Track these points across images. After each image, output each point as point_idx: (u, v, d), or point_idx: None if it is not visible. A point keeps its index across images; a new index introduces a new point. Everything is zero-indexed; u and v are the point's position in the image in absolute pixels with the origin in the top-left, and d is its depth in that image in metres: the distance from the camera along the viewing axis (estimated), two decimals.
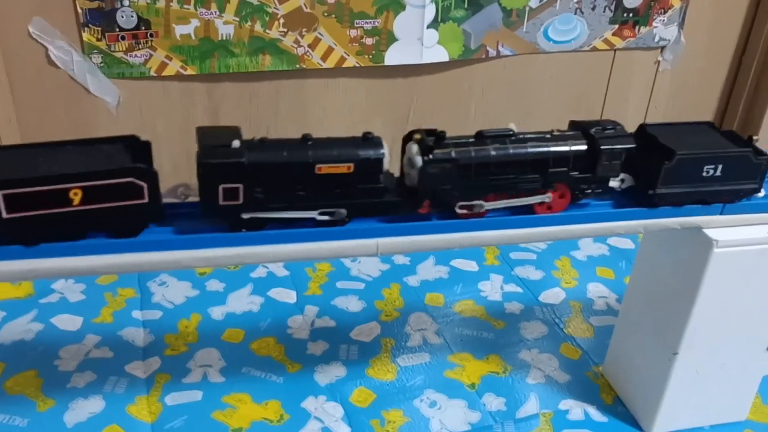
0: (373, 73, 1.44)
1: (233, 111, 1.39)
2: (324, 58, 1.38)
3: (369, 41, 1.39)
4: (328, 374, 1.10)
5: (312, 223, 0.81)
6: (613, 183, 0.90)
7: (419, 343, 1.19)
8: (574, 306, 1.30)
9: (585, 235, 0.91)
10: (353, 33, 1.37)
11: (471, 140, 0.85)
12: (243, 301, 1.26)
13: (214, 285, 1.30)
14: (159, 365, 1.10)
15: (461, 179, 0.83)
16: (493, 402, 1.08)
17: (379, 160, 0.81)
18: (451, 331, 1.22)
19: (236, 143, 0.77)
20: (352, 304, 1.27)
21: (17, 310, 1.22)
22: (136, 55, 1.28)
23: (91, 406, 1.03)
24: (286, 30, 1.33)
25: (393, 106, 1.50)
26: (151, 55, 1.29)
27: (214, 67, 1.33)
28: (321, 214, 0.81)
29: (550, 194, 0.86)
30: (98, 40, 1.25)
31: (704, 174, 0.89)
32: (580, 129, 0.90)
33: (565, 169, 0.86)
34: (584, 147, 0.87)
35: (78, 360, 1.11)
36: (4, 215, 0.71)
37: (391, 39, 1.39)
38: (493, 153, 0.83)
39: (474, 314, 1.27)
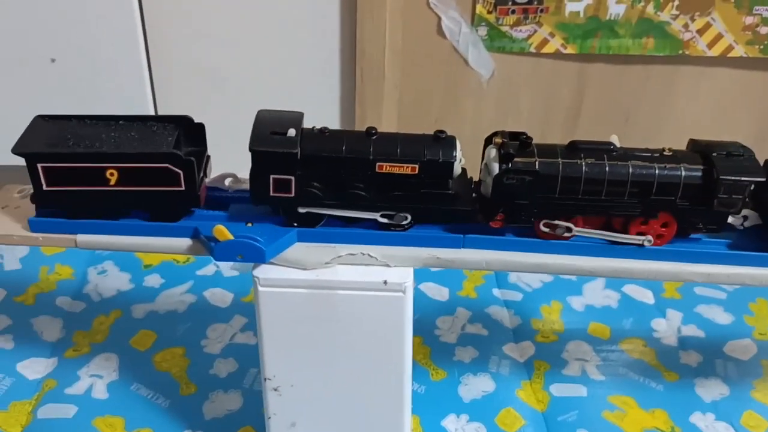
0: (757, 65, 1.32)
1: (598, 93, 1.34)
2: (710, 45, 1.28)
3: (764, 30, 1.27)
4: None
5: (372, 224, 0.73)
6: (733, 219, 0.74)
7: (577, 373, 1.06)
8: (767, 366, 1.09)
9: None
10: (749, 20, 1.26)
11: (562, 151, 0.72)
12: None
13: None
14: None
15: (544, 195, 0.72)
16: None
17: (449, 164, 0.71)
18: (615, 370, 1.06)
19: (292, 132, 0.70)
20: (504, 317, 1.16)
21: (175, 278, 1.21)
22: (520, 30, 1.26)
23: (230, 402, 0.99)
24: (678, 13, 1.25)
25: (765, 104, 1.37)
26: (535, 31, 1.26)
27: (595, 47, 1.28)
28: (383, 216, 0.73)
29: (652, 225, 0.73)
30: (489, 12, 1.24)
31: None
32: (699, 151, 0.74)
33: (672, 198, 0.72)
34: (699, 174, 0.72)
35: (223, 343, 1.09)
36: (45, 188, 0.71)
37: None
38: (585, 169, 0.71)
39: (642, 357, 1.09)
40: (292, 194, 0.71)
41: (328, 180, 0.72)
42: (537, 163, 0.71)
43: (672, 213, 0.73)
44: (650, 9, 1.24)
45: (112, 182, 0.71)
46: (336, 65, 1.29)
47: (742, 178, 0.71)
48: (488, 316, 1.16)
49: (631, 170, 0.71)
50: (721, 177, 0.71)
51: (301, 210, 0.73)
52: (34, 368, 1.02)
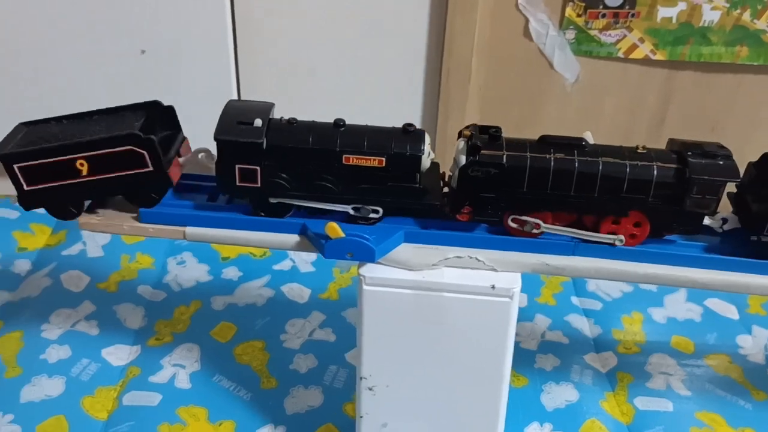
0: None
1: (685, 101, 1.31)
2: None
3: None
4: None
5: (342, 216, 0.72)
6: (710, 221, 0.72)
7: (662, 387, 1.03)
8: None
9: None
10: None
11: (532, 145, 0.70)
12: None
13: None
14: None
15: (511, 189, 0.70)
16: None
17: (416, 158, 0.70)
18: (701, 385, 1.03)
19: (258, 122, 0.69)
20: (584, 326, 1.14)
21: (253, 271, 1.21)
22: (609, 35, 1.24)
23: (311, 398, 0.98)
24: None
25: None
26: (624, 36, 1.23)
27: (685, 54, 1.25)
28: (355, 209, 0.72)
29: (623, 224, 0.71)
30: (578, 15, 1.22)
31: None
32: (675, 150, 0.72)
33: (644, 196, 0.70)
34: (672, 172, 0.69)
35: (302, 339, 1.08)
36: (26, 188, 0.72)
37: None
38: (553, 164, 0.69)
39: (728, 374, 1.06)
40: (258, 184, 0.71)
41: (295, 171, 0.71)
42: (504, 156, 0.69)
43: (644, 212, 0.71)
44: (746, 16, 1.20)
45: (84, 173, 0.72)
46: (421, 64, 1.28)
47: (715, 179, 0.69)
48: (568, 324, 1.14)
49: (601, 167, 0.69)
50: (693, 176, 0.69)
51: (273, 200, 0.72)
52: (119, 355, 1.04)
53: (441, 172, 0.77)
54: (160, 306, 1.13)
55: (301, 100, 1.30)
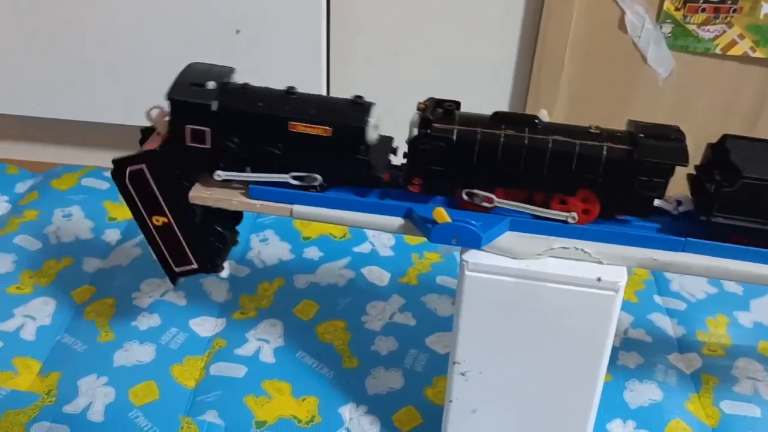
0: None
1: None
2: None
3: None
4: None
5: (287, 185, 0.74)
6: (663, 203, 0.72)
7: (749, 392, 1.00)
8: None
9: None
10: None
11: (485, 121, 0.70)
12: None
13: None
14: None
15: (462, 163, 0.70)
16: None
17: (361, 129, 0.71)
18: None
19: (211, 84, 0.70)
20: (668, 325, 1.11)
21: (333, 252, 1.21)
22: (708, 30, 1.20)
23: (392, 380, 0.99)
24: None
25: None
26: (723, 32, 1.20)
27: None
28: (294, 178, 0.72)
29: (572, 202, 0.71)
30: (677, 9, 1.19)
31: None
32: (630, 131, 0.71)
33: (593, 176, 0.70)
34: (621, 153, 0.69)
35: (383, 321, 1.09)
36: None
37: None
38: (503, 139, 0.69)
39: None
40: (208, 145, 0.72)
41: (245, 136, 0.72)
42: (455, 130, 0.70)
43: (593, 191, 0.71)
44: None
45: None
46: (513, 56, 1.27)
47: (662, 161, 0.68)
48: (651, 322, 1.12)
49: (550, 144, 0.69)
50: (640, 158, 0.68)
51: (218, 177, 0.74)
52: (205, 326, 1.07)
53: (395, 146, 0.78)
54: (244, 281, 1.15)
55: (388, 84, 1.31)
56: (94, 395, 0.95)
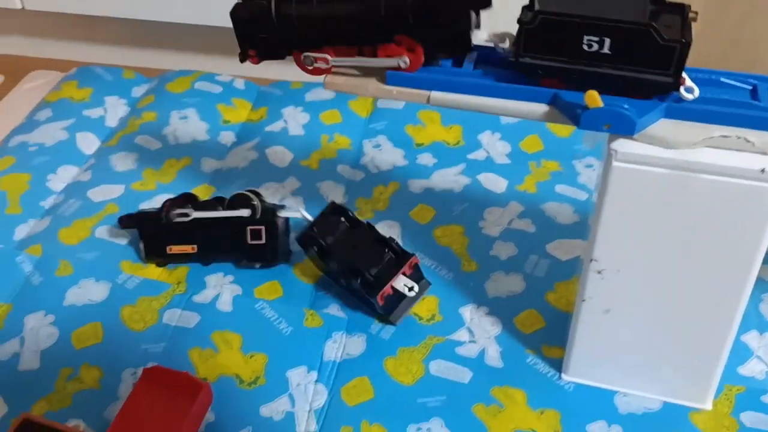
0: None
1: None
2: None
3: None
4: None
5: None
6: (484, 41, 0.72)
7: None
8: None
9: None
10: None
11: None
12: None
13: None
14: None
15: (284, 28, 0.73)
16: None
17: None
18: None
19: None
20: None
21: (447, 159, 1.19)
22: None
23: (512, 284, 0.98)
24: None
25: None
26: None
27: None
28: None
29: (395, 49, 0.71)
30: None
31: (585, 48, 0.65)
32: None
33: (404, 17, 0.70)
34: None
35: (501, 227, 1.06)
36: None
37: None
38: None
39: None
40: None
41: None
42: None
43: (410, 35, 0.71)
44: None
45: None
46: None
47: None
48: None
49: None
50: None
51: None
52: None
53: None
54: (359, 185, 1.15)
55: None
56: (222, 288, 0.98)
